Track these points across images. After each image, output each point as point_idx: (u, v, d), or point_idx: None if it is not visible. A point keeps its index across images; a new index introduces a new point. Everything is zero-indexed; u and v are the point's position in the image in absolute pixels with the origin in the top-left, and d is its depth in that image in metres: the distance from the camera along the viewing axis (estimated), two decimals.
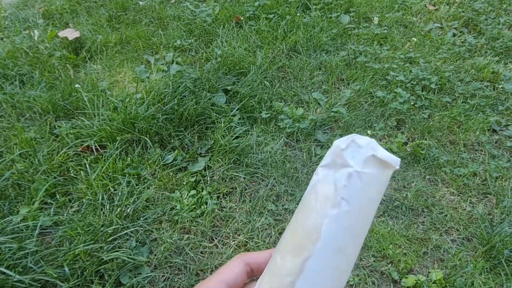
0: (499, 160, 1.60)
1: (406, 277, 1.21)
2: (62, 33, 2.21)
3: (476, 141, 1.69)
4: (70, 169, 1.50)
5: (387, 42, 2.28)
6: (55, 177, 1.45)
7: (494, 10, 2.58)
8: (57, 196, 1.40)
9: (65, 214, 1.34)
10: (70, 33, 2.20)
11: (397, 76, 1.97)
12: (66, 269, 1.15)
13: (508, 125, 1.76)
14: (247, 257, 0.36)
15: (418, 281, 1.19)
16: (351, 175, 0.31)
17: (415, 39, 2.26)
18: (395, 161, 0.32)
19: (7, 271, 1.11)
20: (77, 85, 1.84)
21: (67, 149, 1.56)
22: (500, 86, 1.95)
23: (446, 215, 1.40)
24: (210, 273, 1.23)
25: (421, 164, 1.58)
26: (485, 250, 1.28)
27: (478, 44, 2.26)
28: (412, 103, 1.84)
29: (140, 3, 2.57)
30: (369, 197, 0.32)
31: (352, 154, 0.32)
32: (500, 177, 1.54)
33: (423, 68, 2.05)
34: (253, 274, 0.36)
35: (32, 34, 2.27)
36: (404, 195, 1.47)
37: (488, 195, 1.48)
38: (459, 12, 2.52)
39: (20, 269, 1.14)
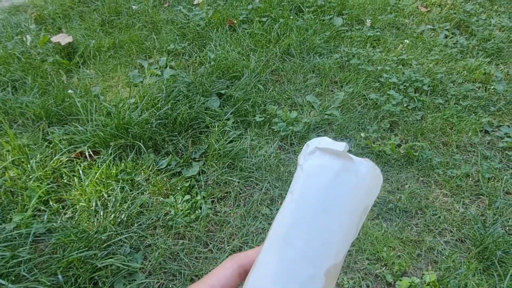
0: (491, 161, 1.61)
1: (400, 280, 1.22)
2: (54, 38, 2.20)
3: (469, 142, 1.70)
4: (63, 175, 1.49)
5: (379, 44, 2.29)
6: (48, 184, 1.45)
7: (485, 11, 2.60)
8: (51, 203, 1.39)
9: (58, 221, 1.33)
10: (63, 38, 2.19)
11: (390, 78, 1.98)
12: (60, 276, 1.14)
13: (500, 126, 1.78)
14: (240, 258, 0.35)
15: (412, 284, 1.19)
16: (297, 171, 0.35)
17: (407, 41, 2.28)
18: (339, 146, 0.33)
19: (0, 280, 1.10)
20: (70, 91, 1.83)
21: (60, 155, 1.55)
22: (492, 87, 1.97)
23: (439, 217, 1.41)
24: None
25: (415, 166, 1.59)
26: (478, 251, 1.28)
27: (469, 45, 2.27)
28: (405, 105, 1.85)
29: (133, 7, 2.56)
30: (316, 186, 0.32)
31: (303, 154, 0.35)
32: (493, 178, 1.55)
33: (415, 70, 2.06)
34: (246, 275, 0.35)
35: (24, 39, 2.26)
36: (397, 197, 1.47)
37: (480, 196, 1.49)
38: (450, 13, 2.54)
39: (13, 278, 1.13)
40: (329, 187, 0.32)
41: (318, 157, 0.34)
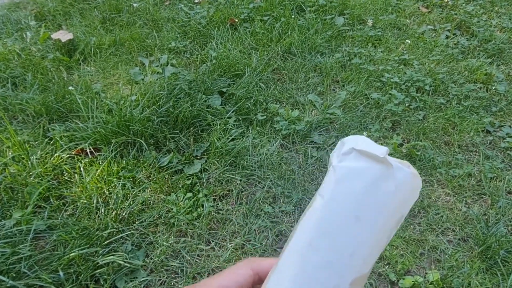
0: (493, 161, 1.61)
1: (404, 278, 1.21)
2: (55, 35, 2.19)
3: (471, 142, 1.70)
4: (64, 172, 1.48)
5: (381, 44, 2.29)
6: (48, 181, 1.43)
7: (486, 12, 2.61)
8: (51, 200, 1.38)
9: (59, 218, 1.32)
10: (63, 35, 2.18)
11: (392, 78, 1.98)
12: (61, 273, 1.13)
13: (502, 126, 1.78)
14: (256, 264, 0.34)
15: (416, 282, 1.19)
16: (329, 171, 0.32)
17: (409, 41, 2.28)
18: (379, 150, 0.30)
19: (0, 277, 1.09)
20: (70, 88, 1.82)
21: (61, 152, 1.54)
22: (493, 88, 1.97)
23: (442, 216, 1.41)
24: (207, 277, 1.22)
25: (417, 165, 1.59)
26: (481, 251, 1.28)
27: (470, 46, 2.28)
28: (407, 105, 1.85)
29: (134, 5, 2.55)
30: (349, 192, 0.30)
31: (336, 153, 0.32)
32: (495, 178, 1.55)
33: (417, 70, 2.06)
34: (261, 282, 0.33)
35: (24, 36, 2.25)
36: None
37: (483, 196, 1.49)
38: (451, 14, 2.55)
39: (14, 275, 1.12)
40: (364, 194, 0.30)
41: (354, 159, 0.31)
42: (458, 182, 1.52)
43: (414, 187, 0.32)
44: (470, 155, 1.66)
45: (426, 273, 1.24)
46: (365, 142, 0.31)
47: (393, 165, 0.31)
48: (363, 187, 0.30)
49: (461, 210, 1.43)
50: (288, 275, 0.30)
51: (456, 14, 2.55)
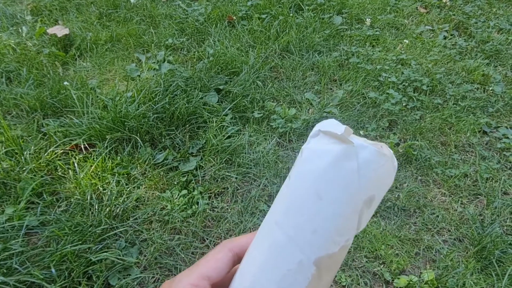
0: (489, 161, 1.61)
1: (399, 278, 1.21)
2: (51, 30, 2.17)
3: (467, 143, 1.70)
4: (57, 168, 1.46)
5: (379, 43, 2.28)
6: (42, 176, 1.42)
7: (484, 13, 2.61)
8: (44, 196, 1.37)
9: (52, 214, 1.30)
10: (59, 30, 2.16)
11: (389, 78, 1.98)
12: (53, 270, 1.12)
13: (498, 127, 1.78)
14: (233, 244, 0.33)
15: (411, 282, 1.18)
16: (298, 154, 0.33)
17: (406, 41, 2.27)
18: (339, 128, 0.30)
19: None
20: (66, 83, 1.80)
21: (55, 147, 1.52)
22: (490, 88, 1.97)
23: (437, 216, 1.40)
24: None
25: (413, 165, 1.58)
26: (476, 251, 1.28)
27: (468, 47, 2.28)
28: (404, 104, 1.85)
29: (132, 1, 2.53)
30: (311, 171, 0.30)
31: (308, 138, 0.33)
32: (491, 178, 1.55)
33: (414, 70, 2.06)
34: (239, 261, 0.33)
35: (20, 30, 2.22)
36: (396, 196, 1.47)
37: (479, 196, 1.49)
38: (450, 15, 2.55)
39: (5, 270, 1.10)
40: (325, 173, 0.30)
41: (318, 140, 0.31)
42: (454, 182, 1.51)
43: (385, 167, 0.31)
44: (467, 155, 1.66)
45: (421, 273, 1.23)
46: (331, 123, 0.31)
47: (355, 143, 0.30)
48: (324, 166, 0.30)
49: (456, 210, 1.43)
50: (258, 253, 0.31)
51: (454, 14, 2.55)
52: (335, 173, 0.30)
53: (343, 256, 0.31)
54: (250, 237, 0.33)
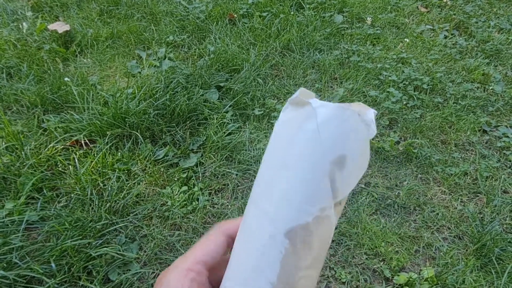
0: (489, 160, 1.62)
1: (398, 275, 1.21)
2: (51, 26, 2.16)
3: (467, 141, 1.70)
4: (58, 163, 1.46)
5: (379, 42, 2.29)
6: (42, 172, 1.42)
7: (484, 13, 2.61)
8: (44, 191, 1.36)
9: (52, 209, 1.30)
10: (60, 26, 2.16)
11: (390, 76, 1.98)
12: (53, 265, 1.12)
13: (498, 126, 1.78)
14: (226, 227, 0.33)
15: (410, 279, 1.18)
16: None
17: (407, 40, 2.28)
18: (305, 94, 0.29)
19: None
20: (66, 79, 1.80)
21: (56, 143, 1.52)
22: (490, 88, 1.98)
23: (437, 214, 1.40)
24: None
25: (413, 163, 1.58)
26: (476, 248, 1.28)
27: (468, 46, 2.28)
28: (404, 103, 1.85)
29: None
30: (278, 142, 0.30)
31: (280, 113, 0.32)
32: (491, 177, 1.55)
33: (415, 69, 2.06)
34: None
35: (20, 26, 2.22)
36: (396, 194, 1.47)
37: (478, 194, 1.49)
38: (450, 14, 2.55)
39: (5, 265, 1.10)
40: (289, 141, 0.28)
41: (285, 112, 0.30)
42: (454, 180, 1.52)
43: (350, 121, 0.28)
44: (467, 154, 1.66)
45: (420, 270, 1.23)
46: (297, 92, 0.29)
47: (314, 103, 0.28)
48: (289, 134, 0.29)
49: (456, 208, 1.43)
50: (239, 234, 0.31)
51: (454, 14, 2.56)
52: (297, 138, 0.28)
53: (326, 232, 0.28)
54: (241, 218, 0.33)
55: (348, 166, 0.28)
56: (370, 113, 0.28)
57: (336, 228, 1.30)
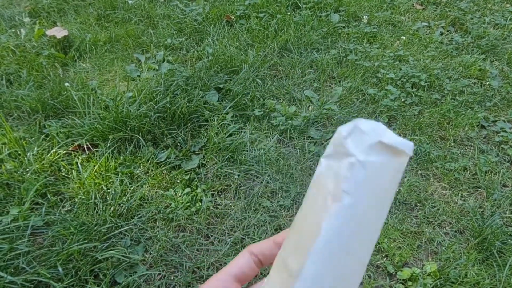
0: (488, 154, 1.63)
1: (401, 270, 1.22)
2: (50, 32, 2.17)
3: (466, 137, 1.72)
4: (61, 168, 1.47)
5: (376, 40, 2.30)
6: (45, 177, 1.42)
7: (479, 9, 2.64)
8: (48, 196, 1.37)
9: (57, 214, 1.31)
10: (58, 32, 2.16)
11: (387, 74, 1.99)
12: (60, 269, 1.13)
13: (496, 120, 1.80)
14: (252, 248, 0.37)
15: (413, 274, 1.20)
16: (354, 165, 0.27)
17: (404, 38, 2.29)
18: (407, 146, 0.28)
19: None
20: (66, 84, 1.81)
21: (58, 148, 1.53)
22: (487, 83, 2.00)
23: (438, 209, 1.42)
24: (207, 271, 1.22)
25: (413, 160, 1.60)
26: (477, 242, 1.30)
27: (464, 43, 2.30)
28: (402, 100, 1.87)
29: (129, 1, 2.54)
30: (378, 189, 0.28)
31: (355, 142, 0.28)
32: (490, 171, 1.57)
33: (412, 66, 2.08)
34: (262, 264, 0.37)
35: (18, 32, 2.23)
36: (397, 190, 1.48)
37: (478, 189, 1.51)
38: (445, 11, 2.57)
39: (12, 270, 1.11)
40: (389, 190, 0.29)
41: (381, 154, 0.28)
42: (454, 175, 1.53)
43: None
44: (465, 149, 1.68)
45: (423, 265, 1.25)
46: (388, 134, 0.28)
47: (409, 155, 0.28)
48: (389, 182, 0.29)
49: (457, 203, 1.45)
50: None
51: (450, 11, 2.58)
52: (390, 189, 0.29)
53: None
54: (269, 241, 0.37)
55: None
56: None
57: None
